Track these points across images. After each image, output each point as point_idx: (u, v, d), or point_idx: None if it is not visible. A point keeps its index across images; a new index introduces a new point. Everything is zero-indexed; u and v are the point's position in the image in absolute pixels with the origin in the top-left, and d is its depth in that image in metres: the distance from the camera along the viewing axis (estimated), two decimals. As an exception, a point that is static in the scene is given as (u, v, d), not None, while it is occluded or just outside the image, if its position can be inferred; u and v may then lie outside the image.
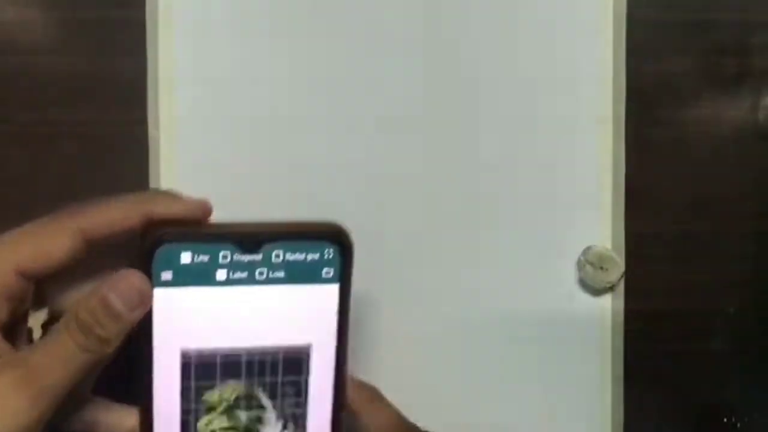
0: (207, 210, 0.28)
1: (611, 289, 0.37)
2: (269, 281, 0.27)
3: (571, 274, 0.37)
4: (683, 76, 0.37)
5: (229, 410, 0.28)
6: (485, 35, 0.36)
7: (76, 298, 0.26)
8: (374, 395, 0.32)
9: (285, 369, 0.28)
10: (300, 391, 0.29)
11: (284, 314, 0.27)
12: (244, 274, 0.26)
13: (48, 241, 0.26)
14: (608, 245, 0.37)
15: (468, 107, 0.37)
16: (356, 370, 0.34)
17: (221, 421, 0.28)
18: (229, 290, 0.26)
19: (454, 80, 0.36)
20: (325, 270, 0.27)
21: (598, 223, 0.37)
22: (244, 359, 0.28)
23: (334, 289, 0.27)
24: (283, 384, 0.28)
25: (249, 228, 0.27)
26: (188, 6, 0.36)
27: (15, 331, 0.27)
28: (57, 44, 0.36)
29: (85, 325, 0.25)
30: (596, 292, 0.37)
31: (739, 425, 0.38)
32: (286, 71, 0.36)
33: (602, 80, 0.37)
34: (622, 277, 0.36)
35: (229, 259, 0.26)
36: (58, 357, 0.25)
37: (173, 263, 0.26)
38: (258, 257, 0.26)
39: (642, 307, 0.37)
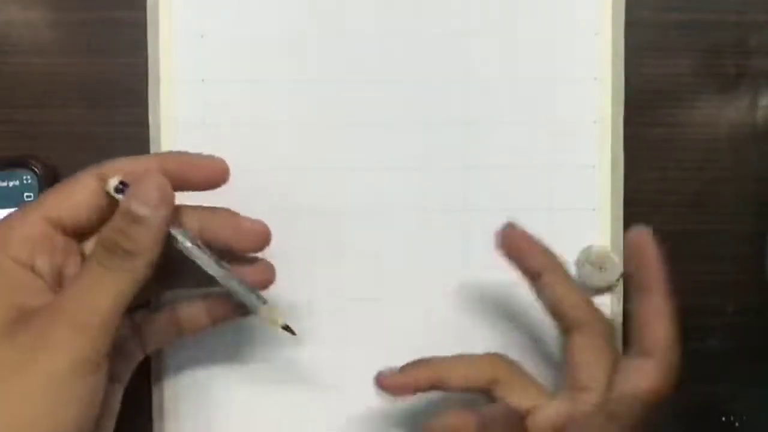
0: (220, 173, 0.30)
1: (610, 289, 0.37)
2: None
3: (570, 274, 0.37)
4: (682, 77, 0.37)
5: None
6: (484, 35, 0.37)
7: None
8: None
9: None
10: None
11: None
12: None
13: (69, 188, 0.27)
14: (607, 245, 0.37)
15: (466, 107, 0.37)
16: (355, 367, 0.34)
17: None
18: None
19: (453, 80, 0.37)
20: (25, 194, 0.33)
21: (596, 222, 0.37)
22: None
23: None
24: None
25: None
26: (188, 6, 0.36)
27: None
28: (57, 44, 0.36)
29: (109, 244, 0.25)
30: (595, 292, 0.37)
31: (737, 424, 0.38)
32: (286, 71, 0.36)
33: (601, 80, 0.37)
34: (621, 277, 0.36)
35: None
36: (90, 290, 0.25)
37: None
38: None
39: (641, 306, 0.37)
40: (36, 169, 0.35)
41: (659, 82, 0.37)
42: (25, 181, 0.35)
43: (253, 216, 0.30)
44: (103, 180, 0.27)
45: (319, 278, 0.37)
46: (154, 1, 0.36)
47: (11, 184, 0.35)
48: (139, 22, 0.36)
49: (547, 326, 0.37)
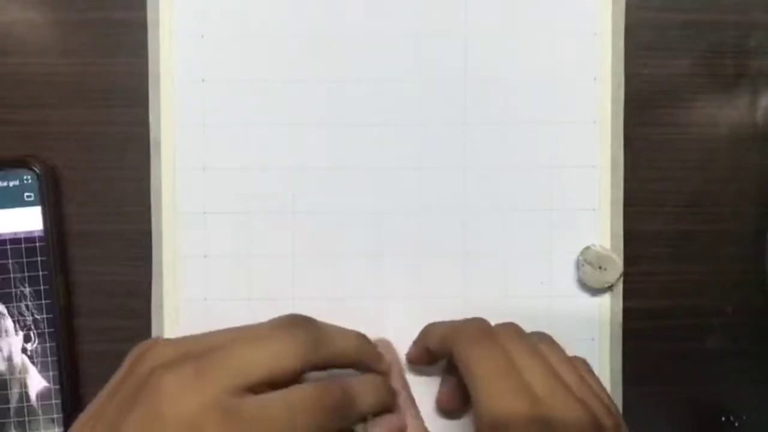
0: None
1: (610, 289, 0.37)
2: None
3: (569, 274, 0.37)
4: (682, 77, 0.37)
5: None
6: (484, 34, 0.37)
7: None
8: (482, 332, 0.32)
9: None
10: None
11: None
12: None
13: (283, 366, 0.28)
14: (607, 245, 0.37)
15: (466, 106, 0.37)
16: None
17: None
18: None
19: (453, 80, 0.37)
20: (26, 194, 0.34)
21: (596, 222, 0.37)
22: None
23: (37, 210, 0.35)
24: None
25: None
26: (188, 6, 0.36)
27: None
28: (57, 44, 0.36)
29: None
30: (595, 292, 0.37)
31: (737, 424, 0.38)
32: (285, 72, 0.36)
33: (601, 80, 0.37)
34: (620, 277, 0.36)
35: None
36: None
37: None
38: None
39: (641, 306, 0.37)
40: (36, 169, 0.35)
41: (659, 82, 0.37)
42: (25, 181, 0.35)
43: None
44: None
45: (318, 278, 0.37)
46: (155, 1, 0.36)
47: (11, 184, 0.35)
48: (139, 22, 0.36)
49: (546, 322, 0.37)
